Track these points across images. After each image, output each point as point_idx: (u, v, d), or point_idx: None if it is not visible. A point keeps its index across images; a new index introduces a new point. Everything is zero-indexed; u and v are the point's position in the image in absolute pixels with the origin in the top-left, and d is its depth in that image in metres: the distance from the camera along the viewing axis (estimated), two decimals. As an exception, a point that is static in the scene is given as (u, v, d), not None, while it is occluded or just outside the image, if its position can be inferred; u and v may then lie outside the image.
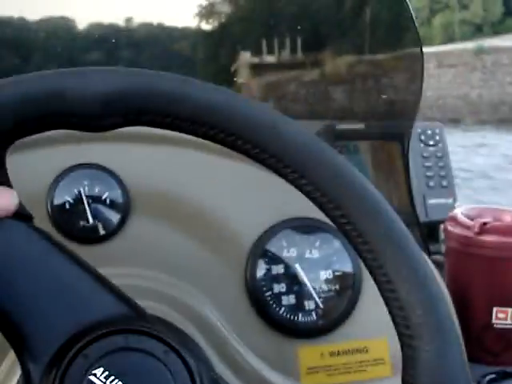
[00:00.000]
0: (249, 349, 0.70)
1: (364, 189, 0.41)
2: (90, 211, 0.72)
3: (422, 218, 1.19)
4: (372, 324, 0.73)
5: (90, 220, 0.72)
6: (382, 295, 0.41)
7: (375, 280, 0.41)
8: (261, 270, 0.72)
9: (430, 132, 1.25)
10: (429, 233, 1.22)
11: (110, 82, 0.39)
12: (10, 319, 0.40)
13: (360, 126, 1.13)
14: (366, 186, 0.41)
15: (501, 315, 0.85)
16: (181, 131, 0.41)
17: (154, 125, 0.40)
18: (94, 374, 0.38)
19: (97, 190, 0.72)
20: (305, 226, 0.74)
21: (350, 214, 0.40)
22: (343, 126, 1.13)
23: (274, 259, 0.73)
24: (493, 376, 0.81)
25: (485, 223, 0.84)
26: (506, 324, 0.85)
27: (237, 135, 0.40)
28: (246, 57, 1.37)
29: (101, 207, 0.72)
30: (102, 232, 0.72)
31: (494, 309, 0.85)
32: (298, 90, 1.35)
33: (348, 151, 1.14)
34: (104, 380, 0.38)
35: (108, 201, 0.72)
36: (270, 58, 1.39)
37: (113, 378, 0.38)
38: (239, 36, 1.42)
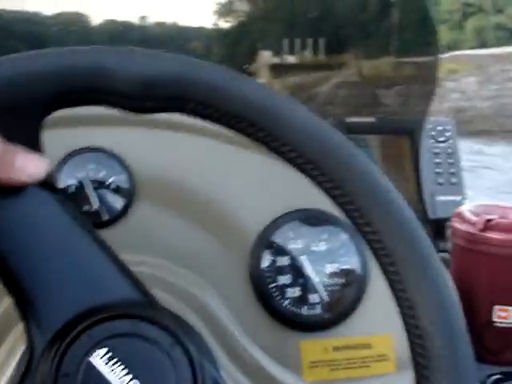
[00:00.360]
0: (251, 341, 0.69)
1: (389, 194, 0.41)
2: (94, 196, 0.71)
3: (430, 215, 1.18)
4: (377, 320, 0.72)
5: (94, 204, 0.71)
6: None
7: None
8: (266, 262, 0.71)
9: (440, 128, 1.23)
10: (437, 230, 1.21)
11: (155, 66, 0.39)
12: (24, 284, 0.39)
13: (371, 119, 1.12)
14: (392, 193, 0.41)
15: (502, 314, 0.83)
16: (220, 124, 0.40)
17: (194, 114, 0.40)
18: (97, 355, 0.37)
19: (101, 174, 0.71)
20: (312, 218, 0.73)
21: (380, 233, 0.41)
22: (354, 120, 1.12)
23: (279, 251, 0.72)
24: (498, 376, 0.80)
25: (489, 220, 0.82)
26: (507, 323, 0.84)
27: (276, 137, 0.40)
28: (265, 57, 1.36)
29: (105, 192, 0.71)
30: (105, 217, 0.71)
31: (496, 307, 0.84)
32: (318, 92, 1.33)
33: (358, 145, 1.12)
34: (106, 361, 0.37)
35: (113, 186, 0.71)
36: (290, 59, 1.38)
37: (115, 360, 0.37)
38: (258, 35, 1.41)
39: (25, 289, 0.39)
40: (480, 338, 0.84)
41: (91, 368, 0.37)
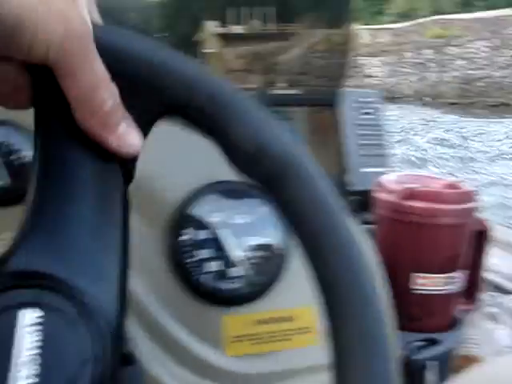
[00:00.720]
0: (172, 317, 0.67)
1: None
2: (7, 171, 0.68)
3: (356, 187, 1.18)
4: (298, 292, 0.72)
5: (7, 180, 0.67)
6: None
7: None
8: (184, 236, 0.69)
9: (365, 100, 1.24)
10: (362, 202, 1.22)
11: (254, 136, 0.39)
12: None
13: (293, 91, 1.11)
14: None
15: (420, 281, 0.84)
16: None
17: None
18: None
19: (14, 148, 0.68)
20: (232, 191, 0.72)
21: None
22: (277, 92, 1.10)
23: (197, 225, 0.70)
24: (420, 343, 0.81)
25: (409, 189, 0.82)
26: (425, 290, 0.85)
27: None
28: (211, 27, 1.33)
29: (19, 167, 0.68)
30: (15, 194, 0.67)
31: (415, 274, 0.84)
32: (259, 61, 1.31)
33: (283, 118, 1.12)
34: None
35: (25, 161, 0.68)
36: (236, 29, 1.35)
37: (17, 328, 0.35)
38: (202, 6, 1.37)
39: None
40: (401, 305, 0.85)
41: None
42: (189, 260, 0.69)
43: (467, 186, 0.87)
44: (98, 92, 0.36)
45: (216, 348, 0.69)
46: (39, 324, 0.36)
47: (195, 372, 0.67)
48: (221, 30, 1.37)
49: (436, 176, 0.92)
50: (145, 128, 0.40)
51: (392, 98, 19.96)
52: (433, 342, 0.83)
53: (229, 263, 0.70)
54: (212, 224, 0.70)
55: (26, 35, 0.33)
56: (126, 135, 0.38)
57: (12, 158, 0.68)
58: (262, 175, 0.39)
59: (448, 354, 0.86)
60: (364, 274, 0.38)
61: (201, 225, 0.70)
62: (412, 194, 0.82)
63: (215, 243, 0.70)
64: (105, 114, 0.37)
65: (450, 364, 0.92)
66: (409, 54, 19.83)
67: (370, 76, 21.08)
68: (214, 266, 0.70)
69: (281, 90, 1.10)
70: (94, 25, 0.37)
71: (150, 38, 0.40)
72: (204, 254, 0.70)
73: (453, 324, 0.89)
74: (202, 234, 0.70)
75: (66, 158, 0.38)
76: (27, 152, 0.68)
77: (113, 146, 0.38)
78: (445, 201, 0.83)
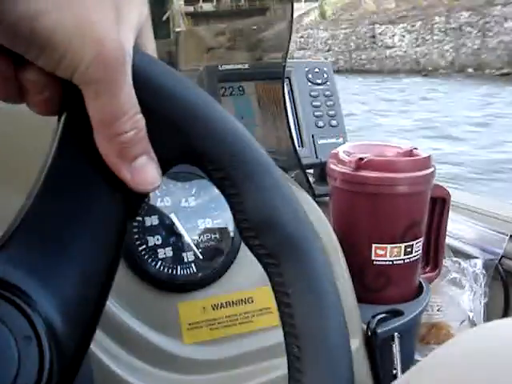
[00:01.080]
0: (126, 309, 0.65)
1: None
2: None
3: (313, 160, 1.16)
4: (256, 273, 0.69)
5: None
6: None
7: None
8: (133, 223, 0.66)
9: (317, 70, 1.21)
10: (320, 174, 1.20)
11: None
12: None
13: (243, 66, 1.08)
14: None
15: (380, 252, 0.83)
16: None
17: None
18: None
19: None
20: (179, 173, 0.69)
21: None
22: (226, 67, 1.07)
23: (146, 210, 0.67)
24: (382, 316, 0.79)
25: (362, 159, 0.80)
26: (385, 260, 0.83)
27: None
28: (178, 5, 1.29)
29: None
30: None
31: (373, 245, 0.83)
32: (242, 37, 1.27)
33: (233, 93, 1.09)
34: None
35: None
36: (207, 6, 1.32)
37: None
38: None
39: None
40: (361, 278, 0.83)
41: None
42: (139, 248, 0.66)
43: (423, 153, 0.86)
44: (120, 121, 0.36)
45: (173, 336, 0.67)
46: None
47: (153, 363, 0.65)
48: (190, 8, 1.33)
49: (391, 144, 0.90)
50: (163, 167, 0.39)
51: (420, 71, 18.26)
52: (397, 313, 0.82)
53: (181, 248, 0.68)
54: (162, 208, 0.68)
55: (58, 51, 0.33)
56: (142, 170, 0.37)
57: None
58: (261, 248, 0.38)
59: (413, 324, 0.85)
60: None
61: (150, 210, 0.68)
62: (366, 164, 0.80)
63: (166, 228, 0.68)
64: (123, 144, 0.36)
65: (417, 333, 0.91)
66: (439, 19, 18.35)
67: (392, 46, 19.72)
68: (166, 252, 0.67)
69: (230, 65, 1.07)
70: (137, 53, 0.36)
71: (189, 80, 0.39)
72: (155, 240, 0.67)
73: (416, 293, 0.88)
74: (152, 220, 0.68)
75: (75, 177, 0.38)
76: None
77: (126, 178, 0.37)
78: (399, 169, 0.81)
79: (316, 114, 1.18)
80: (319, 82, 1.20)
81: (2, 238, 0.37)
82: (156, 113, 0.37)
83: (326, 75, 1.22)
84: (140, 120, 0.36)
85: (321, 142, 1.17)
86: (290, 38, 0.97)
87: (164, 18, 1.28)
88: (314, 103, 1.18)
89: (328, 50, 21.86)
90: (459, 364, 0.36)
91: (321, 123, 1.18)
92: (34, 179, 0.38)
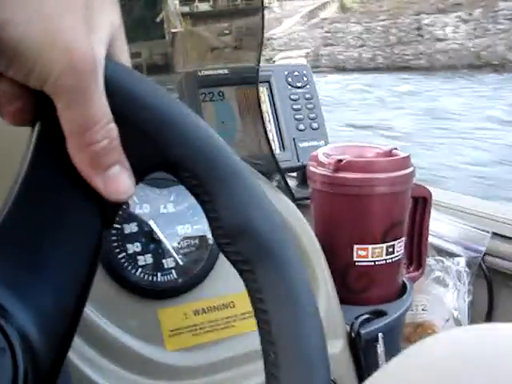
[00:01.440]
0: (107, 317, 0.64)
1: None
2: None
3: (294, 163, 1.16)
4: (237, 277, 0.69)
5: None
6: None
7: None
8: (111, 231, 0.66)
9: (296, 73, 1.22)
10: (302, 177, 1.20)
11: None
12: None
13: (222, 71, 1.08)
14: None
15: (361, 253, 0.83)
16: None
17: None
18: None
19: None
20: (158, 180, 0.69)
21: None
22: (206, 72, 1.07)
23: (125, 218, 0.67)
24: (365, 316, 0.79)
25: (340, 160, 0.81)
26: (367, 261, 0.83)
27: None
28: (172, 5, 1.28)
29: None
30: None
31: (355, 246, 0.83)
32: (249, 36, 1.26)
33: (213, 98, 1.09)
34: None
35: None
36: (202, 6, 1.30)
37: None
38: None
39: None
40: (344, 279, 0.83)
41: None
42: (119, 256, 0.66)
43: (401, 153, 0.86)
44: (92, 130, 0.35)
45: (155, 343, 0.66)
46: None
47: (135, 370, 0.64)
48: (186, 8, 1.32)
49: (371, 145, 0.91)
50: (137, 176, 0.38)
51: (481, 66, 15.48)
52: (380, 314, 0.82)
53: (161, 255, 0.68)
54: (140, 215, 0.68)
55: (27, 62, 0.33)
56: (115, 179, 0.37)
57: None
58: (236, 255, 0.39)
59: (397, 324, 0.85)
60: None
61: (129, 217, 0.67)
62: (345, 166, 0.80)
63: (146, 235, 0.68)
64: (95, 153, 0.36)
65: (401, 333, 0.91)
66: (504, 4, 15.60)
67: (444, 39, 17.03)
68: (145, 259, 0.67)
69: (209, 70, 1.07)
70: (110, 62, 0.36)
71: (162, 88, 0.39)
72: (134, 247, 0.67)
73: (400, 293, 0.89)
74: (131, 227, 0.67)
75: (49, 186, 0.37)
76: None
77: (99, 187, 0.37)
78: (378, 170, 0.81)
79: (297, 117, 1.18)
80: (299, 85, 1.21)
81: None
82: (129, 122, 0.37)
83: (305, 78, 1.22)
84: (113, 129, 0.36)
85: (302, 145, 1.17)
86: (263, 40, 0.98)
87: (158, 19, 1.27)
88: (295, 106, 1.19)
89: (362, 46, 19.26)
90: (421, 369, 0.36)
91: (302, 126, 1.18)
92: (8, 187, 0.37)
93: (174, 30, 1.28)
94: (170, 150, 0.38)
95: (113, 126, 0.36)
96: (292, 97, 1.19)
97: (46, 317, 0.37)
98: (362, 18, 19.89)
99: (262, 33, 0.97)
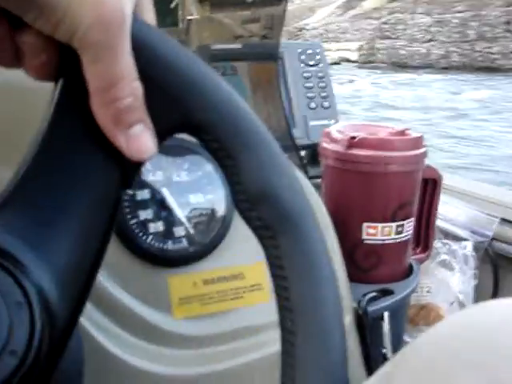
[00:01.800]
0: (116, 282, 0.64)
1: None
2: None
3: (304, 141, 1.16)
4: (247, 249, 0.69)
5: None
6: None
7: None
8: (123, 196, 0.66)
9: (310, 52, 1.21)
10: (311, 155, 1.20)
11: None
12: None
13: (236, 45, 1.07)
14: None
15: (371, 231, 0.83)
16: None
17: None
18: None
19: None
20: (172, 148, 0.69)
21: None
22: (219, 46, 1.07)
23: (138, 183, 0.67)
24: (372, 294, 0.79)
25: (353, 137, 0.80)
26: (376, 240, 0.83)
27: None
28: None
29: None
30: None
31: (365, 224, 0.83)
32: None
33: (226, 73, 1.08)
34: None
35: None
36: None
37: None
38: None
39: None
40: (352, 256, 0.83)
41: None
42: (130, 222, 0.66)
43: (415, 133, 0.85)
44: (118, 86, 0.35)
45: (164, 311, 0.66)
46: None
47: (142, 336, 0.65)
48: None
49: (384, 125, 0.90)
50: (159, 137, 0.38)
51: None
52: (387, 292, 0.82)
53: (172, 222, 0.68)
54: (153, 183, 0.68)
55: (56, 13, 0.33)
56: (138, 138, 0.37)
57: None
58: (257, 221, 0.38)
59: (403, 304, 0.85)
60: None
61: (141, 184, 0.67)
62: (358, 143, 0.80)
63: (157, 203, 0.68)
64: (119, 110, 0.36)
65: (405, 313, 0.91)
66: None
67: None
68: (157, 226, 0.67)
69: (223, 44, 1.07)
70: (136, 21, 0.36)
71: (189, 51, 0.38)
72: (146, 214, 0.67)
73: (406, 273, 0.89)
74: (143, 194, 0.67)
75: (70, 143, 0.37)
76: None
77: (120, 145, 0.37)
78: (391, 148, 0.81)
79: (308, 95, 1.18)
80: (312, 63, 1.20)
81: None
82: (153, 81, 0.37)
83: (318, 57, 1.22)
84: (138, 87, 0.36)
85: (313, 123, 1.17)
86: (284, 17, 0.97)
87: (172, 5, 1.25)
88: (307, 84, 1.18)
89: (430, 40, 16.90)
90: (447, 346, 0.35)
91: (313, 104, 1.17)
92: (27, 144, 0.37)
93: (189, 17, 1.26)
94: (194, 113, 0.38)
95: (138, 83, 0.36)
96: (304, 75, 1.19)
97: (63, 273, 0.37)
98: (432, 9, 17.07)
99: (285, 9, 0.96)
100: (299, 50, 1.21)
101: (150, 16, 0.39)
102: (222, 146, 0.38)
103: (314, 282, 0.37)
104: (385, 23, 17.56)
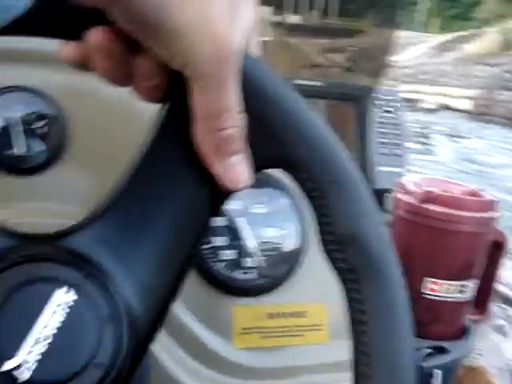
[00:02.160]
0: (182, 304, 0.65)
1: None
2: (22, 139, 0.65)
3: (373, 185, 1.16)
4: (311, 289, 0.70)
5: (20, 149, 0.65)
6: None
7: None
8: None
9: (387, 98, 1.21)
10: (377, 201, 1.19)
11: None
12: None
13: (318, 83, 1.08)
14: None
15: (432, 286, 0.83)
16: None
17: None
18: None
19: (36, 116, 0.66)
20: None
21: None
22: (298, 82, 1.08)
23: None
24: (428, 350, 0.79)
25: (430, 192, 0.81)
26: (437, 296, 0.83)
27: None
28: (264, 12, 1.28)
29: (33, 137, 0.66)
30: (31, 163, 0.65)
31: (427, 279, 0.83)
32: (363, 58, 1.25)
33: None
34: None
35: (42, 131, 0.66)
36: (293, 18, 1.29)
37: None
38: None
39: None
40: (412, 310, 0.83)
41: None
42: (203, 247, 0.67)
43: (488, 195, 0.85)
44: (223, 117, 0.36)
45: (225, 339, 0.67)
46: (69, 307, 0.35)
47: (201, 360, 0.66)
48: (277, 18, 1.30)
49: (456, 182, 0.90)
50: (255, 169, 0.39)
51: None
52: (441, 350, 0.81)
53: (243, 253, 0.69)
54: (230, 212, 0.69)
55: (176, 44, 0.34)
56: (235, 168, 0.38)
57: (33, 126, 0.66)
58: (343, 263, 0.39)
59: (455, 364, 0.84)
60: None
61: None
62: (432, 198, 0.80)
63: (231, 231, 0.69)
64: (221, 139, 0.37)
65: (456, 374, 0.90)
66: None
67: None
68: (229, 254, 0.68)
69: (305, 80, 1.08)
70: (245, 55, 0.37)
71: (293, 89, 0.40)
72: (220, 241, 0.68)
73: (462, 333, 0.88)
74: (220, 222, 0.68)
75: (168, 165, 0.39)
76: (46, 122, 0.66)
77: (218, 173, 0.38)
78: (465, 208, 0.81)
79: (381, 140, 1.18)
80: (388, 109, 1.21)
81: (89, 217, 0.38)
82: (256, 115, 0.38)
83: (395, 104, 1.22)
84: (241, 119, 0.37)
85: (381, 169, 1.17)
86: (386, 63, 0.98)
87: None
88: (381, 130, 1.19)
89: None
90: None
91: (384, 150, 1.18)
92: (123, 165, 0.39)
93: (262, 39, 1.27)
94: (292, 150, 0.39)
95: (242, 115, 0.37)
96: (380, 120, 1.19)
97: (148, 289, 0.38)
98: None
99: (388, 54, 0.98)
100: (376, 95, 1.21)
101: (256, 51, 0.40)
102: (316, 185, 0.39)
103: (393, 331, 0.38)
104: (508, 71, 14.42)
